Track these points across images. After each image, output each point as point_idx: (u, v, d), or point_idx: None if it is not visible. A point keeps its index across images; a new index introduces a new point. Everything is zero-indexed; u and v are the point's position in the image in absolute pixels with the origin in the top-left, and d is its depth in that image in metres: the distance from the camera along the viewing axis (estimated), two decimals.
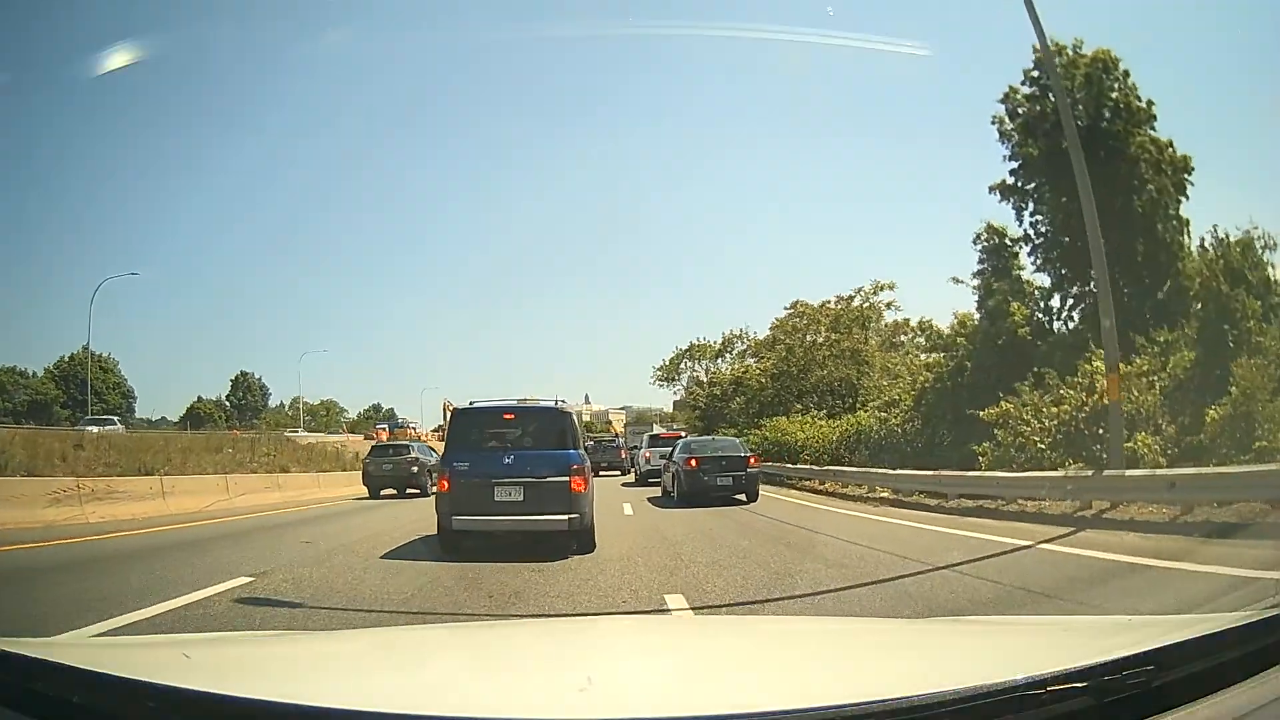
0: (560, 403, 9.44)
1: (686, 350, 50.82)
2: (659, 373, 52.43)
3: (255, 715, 1.24)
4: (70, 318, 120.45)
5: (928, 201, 79.57)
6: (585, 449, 10.98)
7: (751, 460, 16.94)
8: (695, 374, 50.91)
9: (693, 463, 16.48)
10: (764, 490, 17.97)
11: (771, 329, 41.01)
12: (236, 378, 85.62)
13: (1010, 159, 19.25)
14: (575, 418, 9.60)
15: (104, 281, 46.53)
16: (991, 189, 19.64)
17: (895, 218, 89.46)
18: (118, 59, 22.47)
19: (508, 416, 9.13)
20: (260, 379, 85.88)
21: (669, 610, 5.42)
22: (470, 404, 9.38)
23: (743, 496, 16.20)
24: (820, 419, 29.24)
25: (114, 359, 67.72)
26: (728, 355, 48.14)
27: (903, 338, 34.99)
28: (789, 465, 24.97)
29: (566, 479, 8.33)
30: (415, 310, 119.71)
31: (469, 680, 1.77)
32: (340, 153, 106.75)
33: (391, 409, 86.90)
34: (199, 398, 78.06)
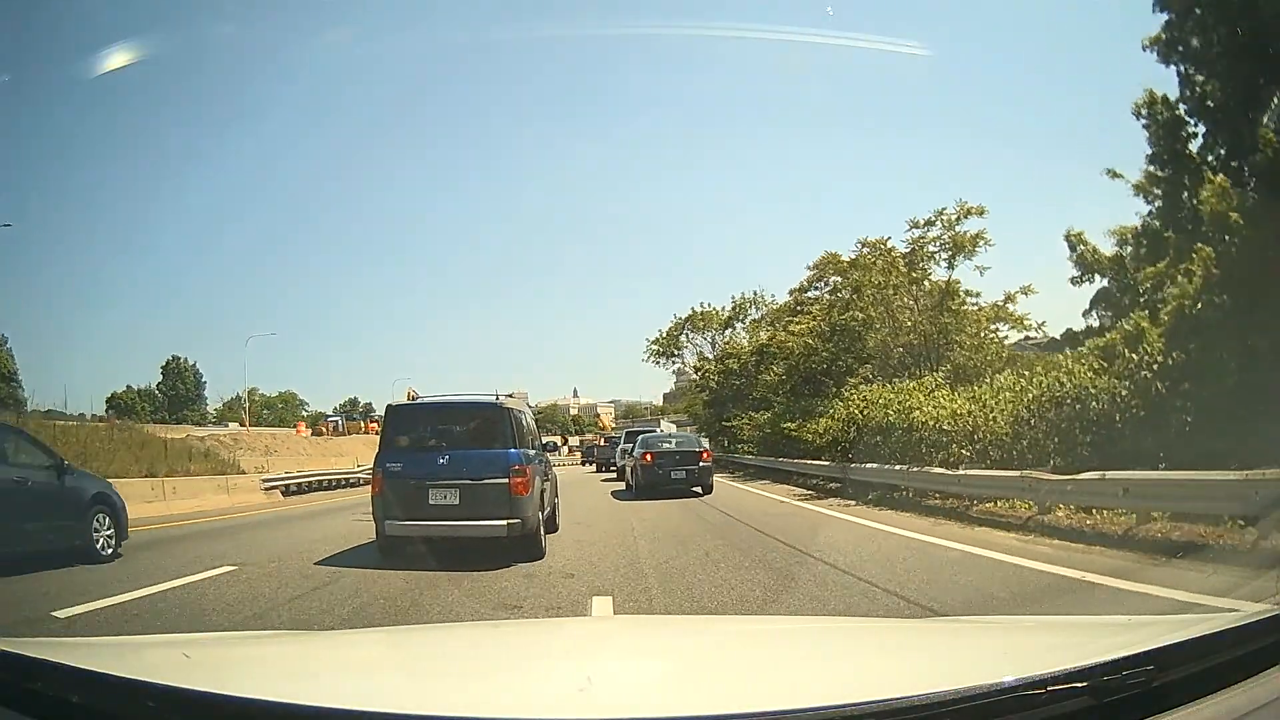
0: (508, 397, 8.89)
1: (687, 319, 39.90)
2: (654, 347, 41.19)
3: (255, 715, 1.24)
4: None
5: (925, 195, 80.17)
6: (544, 446, 10.53)
7: (705, 455, 17.84)
8: (699, 349, 40.77)
9: (648, 457, 17.29)
10: (894, 527, 10.17)
11: (804, 280, 30.73)
12: (167, 363, 72.81)
13: (1160, 7, 13.92)
14: (521, 414, 9.03)
15: None
16: (1147, 45, 14.35)
17: (894, 208, 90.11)
18: (118, 58, 22.53)
19: (443, 414, 8.61)
20: (194, 364, 73.84)
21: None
22: (416, 399, 8.99)
23: (699, 489, 16.87)
24: (930, 387, 16.58)
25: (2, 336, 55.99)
26: (739, 325, 38.40)
27: (951, 303, 23.19)
28: (928, 469, 12.65)
29: (505, 480, 7.69)
30: (400, 304, 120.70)
31: (469, 680, 1.76)
32: (328, 150, 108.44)
33: (370, 403, 78.73)
34: (128, 386, 69.26)
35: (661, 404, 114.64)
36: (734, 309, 38.64)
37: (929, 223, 22.99)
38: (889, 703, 1.17)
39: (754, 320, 37.50)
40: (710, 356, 39.35)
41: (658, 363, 42.19)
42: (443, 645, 2.34)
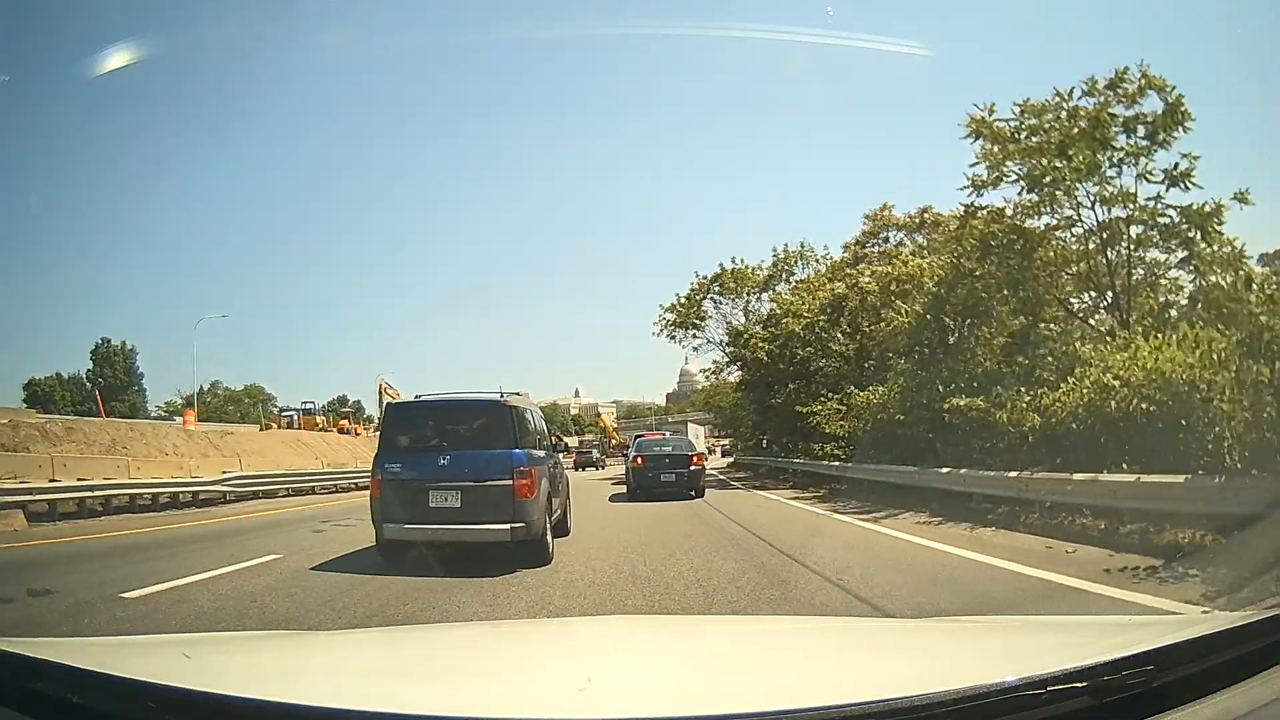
0: (514, 395, 8.62)
1: (714, 278, 30.22)
2: (668, 315, 31.04)
3: (255, 715, 1.24)
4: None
5: (928, 189, 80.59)
6: (552, 446, 10.05)
7: (695, 458, 17.92)
8: (729, 317, 30.67)
9: (639, 461, 17.71)
10: None
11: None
12: (97, 347, 60.86)
13: None
14: (527, 412, 8.72)
15: None
16: None
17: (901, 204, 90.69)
18: (117, 59, 22.58)
19: (445, 412, 8.30)
20: (131, 349, 63.30)
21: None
22: (417, 398, 8.71)
23: (692, 493, 16.86)
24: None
25: None
26: (782, 285, 29.10)
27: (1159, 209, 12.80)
28: None
29: (509, 482, 7.40)
30: (400, 304, 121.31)
31: (469, 680, 1.76)
32: (325, 151, 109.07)
33: (359, 400, 74.43)
34: (57, 374, 61.25)
35: (665, 403, 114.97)
36: (775, 265, 29.61)
37: (1112, 85, 13.01)
38: (889, 703, 1.17)
39: (803, 280, 27.98)
40: (744, 324, 29.02)
41: (673, 336, 31.47)
42: (442, 645, 2.34)
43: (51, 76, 58.39)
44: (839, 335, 22.13)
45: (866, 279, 20.53)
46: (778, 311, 25.96)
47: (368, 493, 8.04)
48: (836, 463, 18.48)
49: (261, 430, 43.05)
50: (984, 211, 14.19)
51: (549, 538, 8.00)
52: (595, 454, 50.96)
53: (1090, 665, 1.24)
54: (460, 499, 7.44)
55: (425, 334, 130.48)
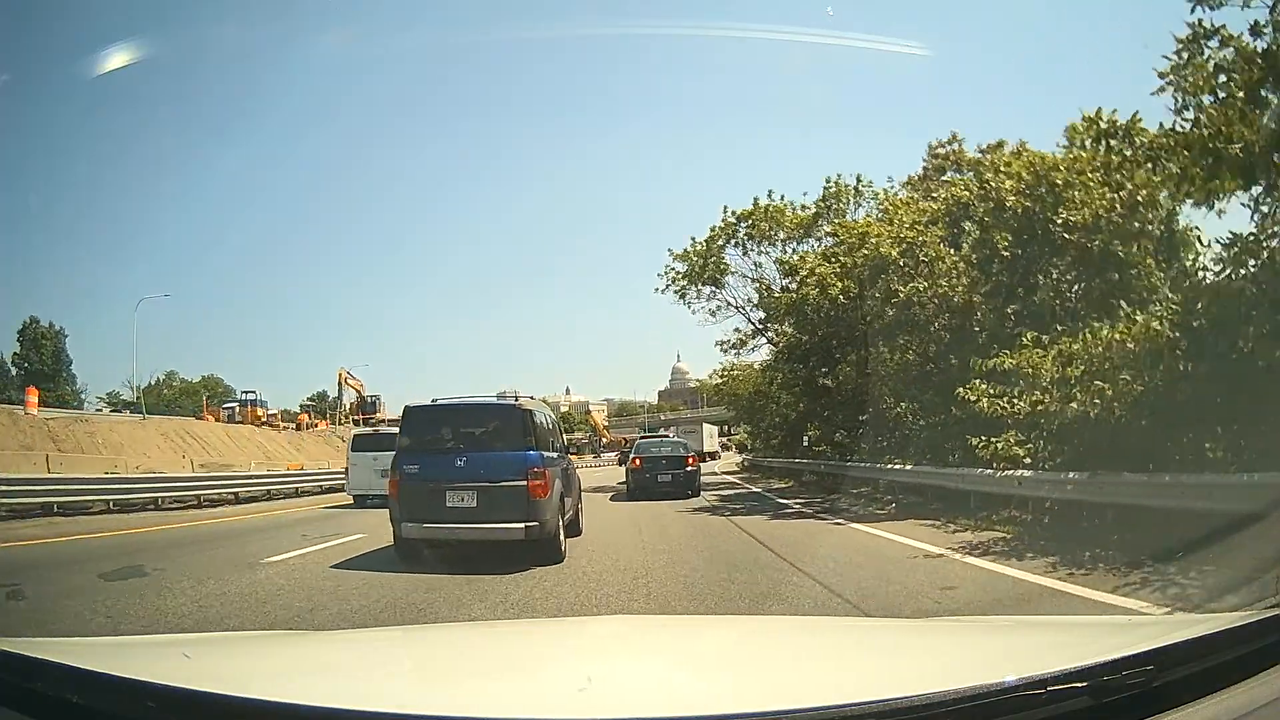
0: (528, 398, 8.88)
1: (742, 218, 22.88)
2: (678, 266, 24.03)
3: (255, 715, 1.23)
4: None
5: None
6: (565, 448, 10.29)
7: (690, 460, 18.58)
8: (759, 270, 23.58)
9: (637, 462, 18.46)
10: None
11: None
12: (25, 327, 52.95)
13: None
14: (540, 415, 8.95)
15: None
16: None
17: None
18: (118, 59, 22.57)
19: (461, 415, 8.55)
20: (59, 330, 54.92)
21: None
22: (434, 401, 8.84)
23: (689, 493, 17.47)
24: None
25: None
26: (831, 224, 21.07)
27: None
28: None
29: (523, 483, 7.65)
30: (390, 302, 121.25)
31: (469, 680, 1.76)
32: (331, 150, 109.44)
33: (338, 397, 67.32)
34: None
35: (657, 401, 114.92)
36: (823, 200, 22.25)
37: None
38: (889, 703, 1.17)
39: (865, 219, 19.41)
40: (794, 270, 20.15)
41: (682, 294, 24.04)
42: (442, 645, 2.34)
43: (51, 76, 58.33)
44: (957, 261, 13.52)
45: (1001, 175, 12.77)
46: (847, 241, 17.15)
47: (222, 511, 7.89)
48: (1026, 472, 9.52)
49: (195, 419, 37.84)
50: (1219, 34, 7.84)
51: (562, 536, 8.23)
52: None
53: (1090, 665, 1.24)
54: (476, 499, 7.67)
55: (423, 333, 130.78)
